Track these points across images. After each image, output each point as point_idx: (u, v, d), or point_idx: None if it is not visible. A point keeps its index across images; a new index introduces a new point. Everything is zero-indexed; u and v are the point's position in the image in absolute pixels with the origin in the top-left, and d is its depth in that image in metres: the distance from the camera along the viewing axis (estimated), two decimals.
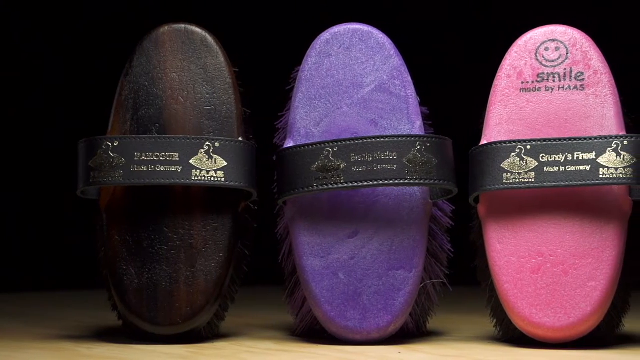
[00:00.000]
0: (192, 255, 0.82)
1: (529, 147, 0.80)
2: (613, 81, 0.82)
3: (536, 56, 0.82)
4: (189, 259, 0.82)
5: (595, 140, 0.79)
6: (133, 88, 0.84)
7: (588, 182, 0.79)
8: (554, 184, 0.80)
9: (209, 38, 0.84)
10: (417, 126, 0.83)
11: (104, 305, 0.87)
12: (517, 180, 0.80)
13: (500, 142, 0.81)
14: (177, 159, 0.81)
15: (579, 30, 0.83)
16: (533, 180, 0.80)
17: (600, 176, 0.79)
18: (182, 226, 0.82)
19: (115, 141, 0.81)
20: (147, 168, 0.81)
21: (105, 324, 0.95)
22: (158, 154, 0.81)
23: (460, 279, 0.89)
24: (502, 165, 0.80)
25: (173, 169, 0.81)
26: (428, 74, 0.97)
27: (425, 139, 0.81)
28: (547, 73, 0.82)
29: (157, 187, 0.82)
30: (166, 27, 0.84)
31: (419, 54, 1.17)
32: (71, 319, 1.03)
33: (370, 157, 0.81)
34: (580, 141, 0.80)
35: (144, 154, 0.81)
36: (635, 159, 0.79)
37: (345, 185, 0.81)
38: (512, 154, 0.80)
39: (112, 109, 0.84)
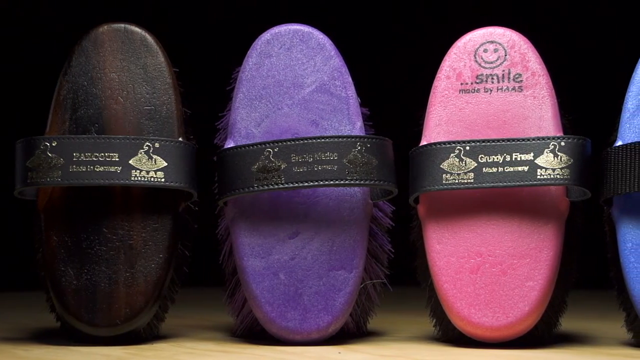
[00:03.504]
0: (132, 256, 0.81)
1: (468, 148, 0.81)
2: (551, 83, 0.82)
3: (475, 58, 0.83)
4: (129, 260, 0.81)
5: (533, 142, 0.80)
6: (72, 88, 0.83)
7: (526, 182, 0.80)
8: (492, 184, 0.80)
9: (149, 38, 0.84)
10: (357, 127, 0.84)
11: (42, 307, 0.86)
12: (457, 181, 0.81)
13: (439, 143, 0.81)
14: (117, 160, 0.81)
15: (518, 32, 0.83)
16: (472, 180, 0.80)
17: (538, 177, 0.80)
18: (121, 227, 0.82)
19: (53, 141, 0.81)
20: (86, 168, 0.80)
21: (43, 326, 0.94)
22: (97, 154, 0.81)
23: (400, 279, 0.90)
24: (441, 166, 0.81)
25: (112, 169, 0.81)
26: (369, 74, 0.98)
27: (365, 139, 0.81)
28: (486, 74, 0.83)
29: (96, 187, 0.82)
30: (105, 27, 0.84)
31: (359, 54, 1.17)
32: (8, 320, 1.01)
33: (310, 157, 0.81)
34: (518, 142, 0.80)
35: (82, 154, 0.80)
36: (572, 160, 0.80)
37: (286, 185, 0.81)
38: (452, 154, 0.81)
39: (51, 109, 0.83)
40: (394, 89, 1.41)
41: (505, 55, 0.83)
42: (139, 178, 0.81)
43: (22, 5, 1.39)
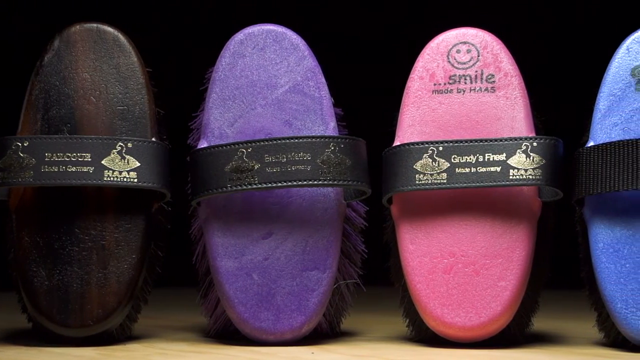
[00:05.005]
0: (104, 256, 0.81)
1: (441, 148, 0.81)
2: (523, 83, 0.83)
3: (448, 58, 0.83)
4: (101, 261, 0.81)
5: (506, 142, 0.80)
6: (44, 87, 0.83)
7: (499, 183, 0.80)
8: (465, 185, 0.80)
9: (122, 37, 0.84)
10: (330, 127, 0.84)
11: (14, 307, 0.86)
12: (430, 181, 0.81)
13: (412, 144, 0.81)
14: (89, 160, 0.80)
15: (490, 33, 0.84)
16: (445, 181, 0.81)
17: (511, 177, 0.80)
18: (94, 227, 0.81)
19: (25, 141, 0.80)
20: (58, 168, 0.80)
21: (14, 327, 0.93)
22: (69, 154, 0.80)
23: (373, 280, 0.90)
24: (414, 167, 0.81)
25: (85, 169, 0.80)
26: (342, 75, 0.98)
27: (339, 140, 0.81)
28: (459, 75, 0.83)
29: (68, 187, 0.81)
30: (77, 26, 0.83)
31: (333, 55, 1.18)
32: None
33: (284, 157, 0.81)
34: (491, 142, 0.81)
35: (54, 155, 0.80)
36: (544, 160, 0.80)
37: (259, 186, 0.81)
38: (425, 155, 0.81)
39: (22, 109, 0.83)
40: (368, 90, 1.41)
41: (478, 56, 0.83)
42: (112, 178, 0.80)
43: None
